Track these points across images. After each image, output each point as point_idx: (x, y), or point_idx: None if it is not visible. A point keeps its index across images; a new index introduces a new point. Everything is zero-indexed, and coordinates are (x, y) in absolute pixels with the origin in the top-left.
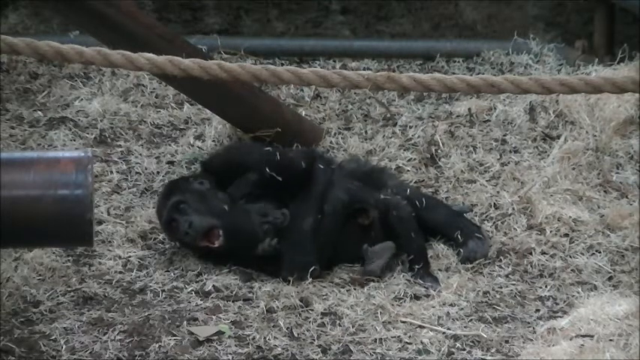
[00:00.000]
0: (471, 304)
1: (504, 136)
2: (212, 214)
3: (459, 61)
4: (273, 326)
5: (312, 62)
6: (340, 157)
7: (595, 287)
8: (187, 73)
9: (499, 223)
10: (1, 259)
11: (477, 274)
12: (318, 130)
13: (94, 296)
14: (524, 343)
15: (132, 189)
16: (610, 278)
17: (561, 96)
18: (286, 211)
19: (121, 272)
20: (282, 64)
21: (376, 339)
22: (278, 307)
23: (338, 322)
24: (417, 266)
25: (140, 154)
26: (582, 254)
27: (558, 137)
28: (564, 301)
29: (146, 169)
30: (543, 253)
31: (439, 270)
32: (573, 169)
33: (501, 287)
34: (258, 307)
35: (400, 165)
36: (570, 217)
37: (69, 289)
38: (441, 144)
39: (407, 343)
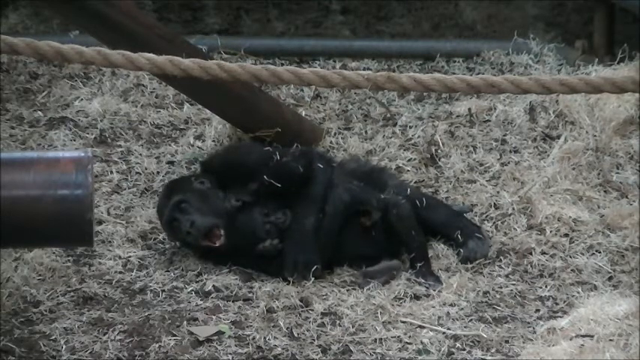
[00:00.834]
0: (471, 304)
1: (504, 136)
2: (214, 214)
3: (459, 61)
4: (273, 326)
5: (312, 62)
6: (340, 157)
7: (595, 287)
8: (187, 73)
9: (499, 223)
10: (1, 259)
11: (477, 274)
12: (318, 130)
13: (94, 296)
14: (524, 343)
15: (132, 189)
16: (610, 278)
17: (561, 96)
18: (288, 211)
19: (121, 272)
20: (282, 64)
21: (376, 339)
22: (278, 307)
23: (338, 322)
24: (418, 264)
25: (140, 154)
26: (582, 254)
27: (558, 137)
28: (564, 301)
29: (146, 169)
30: (543, 253)
31: (439, 270)
32: (573, 169)
33: (501, 287)
34: (258, 307)
35: (400, 165)
36: (570, 217)
37: (69, 289)
38: (441, 144)
39: (407, 343)
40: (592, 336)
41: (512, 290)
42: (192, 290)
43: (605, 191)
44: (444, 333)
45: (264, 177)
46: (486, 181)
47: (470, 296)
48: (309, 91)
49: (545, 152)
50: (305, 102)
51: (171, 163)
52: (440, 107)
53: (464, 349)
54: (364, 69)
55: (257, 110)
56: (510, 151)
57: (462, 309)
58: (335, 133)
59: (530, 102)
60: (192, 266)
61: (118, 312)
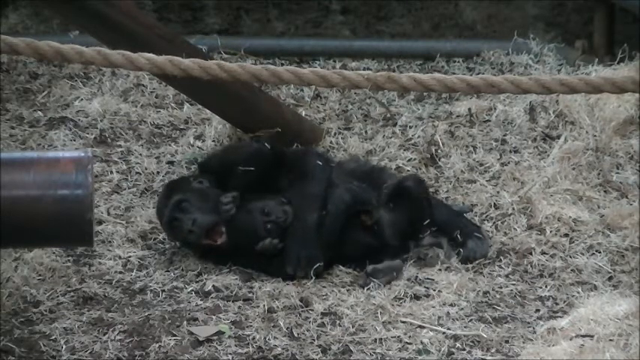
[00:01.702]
0: (471, 304)
1: (504, 136)
2: (214, 212)
3: (459, 61)
4: (273, 326)
5: (312, 62)
6: (340, 157)
7: (595, 287)
8: (187, 73)
9: (499, 223)
10: (1, 259)
11: (477, 274)
12: (318, 130)
13: (94, 296)
14: (524, 343)
15: (132, 189)
16: (610, 278)
17: (561, 96)
18: (288, 208)
19: (121, 272)
20: (282, 64)
21: (376, 339)
22: (278, 307)
23: (338, 322)
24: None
25: (140, 154)
26: (582, 254)
27: (558, 137)
28: (564, 301)
29: (146, 169)
30: (543, 253)
31: (439, 270)
32: (573, 169)
33: (501, 287)
34: (258, 307)
35: (400, 165)
36: (570, 217)
37: (69, 289)
38: (441, 144)
39: (407, 343)
40: (592, 336)
41: (512, 290)
42: (192, 290)
43: (605, 191)
44: (444, 333)
45: (239, 168)
46: (486, 181)
47: (470, 296)
48: (309, 91)
49: (545, 152)
50: (305, 102)
51: (171, 163)
52: (440, 107)
53: (464, 349)
54: (364, 69)
55: (257, 110)
56: (510, 151)
57: (462, 309)
58: (335, 133)
59: (530, 102)
60: (192, 266)
61: (118, 312)
